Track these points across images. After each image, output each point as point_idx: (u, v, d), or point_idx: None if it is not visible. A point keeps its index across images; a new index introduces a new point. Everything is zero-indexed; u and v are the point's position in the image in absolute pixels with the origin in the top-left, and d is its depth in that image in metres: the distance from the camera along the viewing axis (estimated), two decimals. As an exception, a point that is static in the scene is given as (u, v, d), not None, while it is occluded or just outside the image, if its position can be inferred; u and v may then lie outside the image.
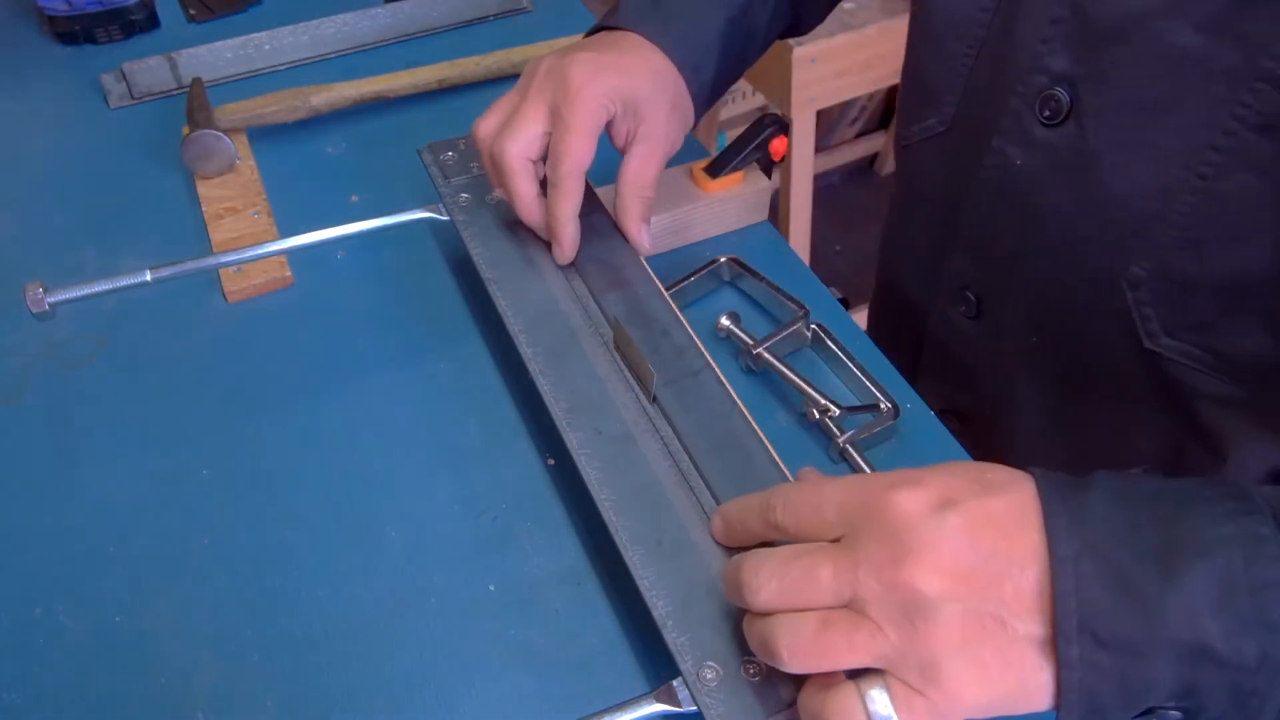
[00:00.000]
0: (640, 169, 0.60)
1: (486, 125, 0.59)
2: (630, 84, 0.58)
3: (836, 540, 0.39)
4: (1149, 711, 0.36)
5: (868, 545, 0.37)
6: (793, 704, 0.41)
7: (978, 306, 0.65)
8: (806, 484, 0.41)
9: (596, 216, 0.63)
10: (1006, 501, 0.37)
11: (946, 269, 0.66)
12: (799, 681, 0.42)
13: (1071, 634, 0.34)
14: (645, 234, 0.60)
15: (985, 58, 0.58)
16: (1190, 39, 0.46)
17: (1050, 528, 0.35)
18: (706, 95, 0.64)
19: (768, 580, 0.39)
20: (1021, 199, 0.57)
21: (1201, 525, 0.35)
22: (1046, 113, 0.53)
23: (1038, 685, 0.36)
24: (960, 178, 0.62)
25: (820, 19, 0.74)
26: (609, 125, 0.59)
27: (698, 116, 0.64)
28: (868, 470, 0.56)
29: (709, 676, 0.42)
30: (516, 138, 0.57)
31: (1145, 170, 0.50)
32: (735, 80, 0.68)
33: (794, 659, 0.38)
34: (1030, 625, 0.35)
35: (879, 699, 0.37)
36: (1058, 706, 0.36)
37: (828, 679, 0.39)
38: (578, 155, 0.56)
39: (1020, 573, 0.35)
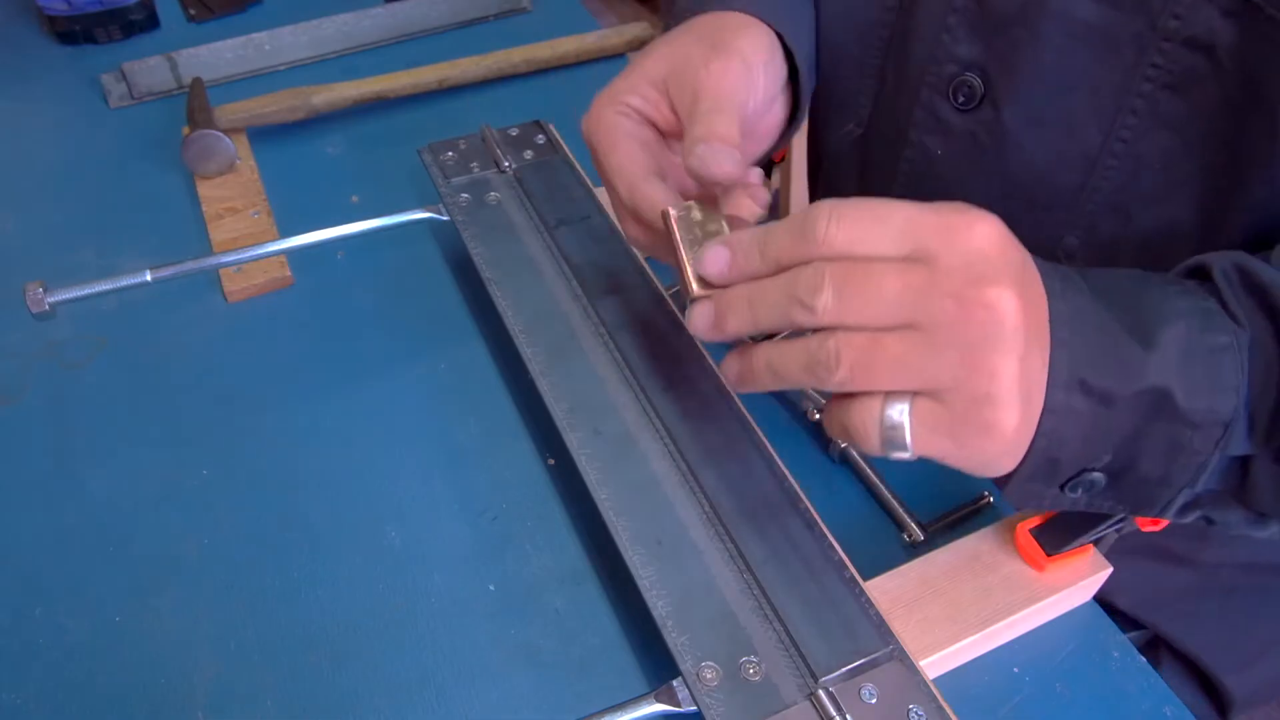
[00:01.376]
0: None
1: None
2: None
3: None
4: (1079, 474, 0.40)
5: (948, 263, 0.35)
6: (792, 704, 0.41)
7: None
8: (856, 200, 0.37)
9: (595, 220, 0.63)
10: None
11: None
12: (798, 681, 0.42)
13: (1060, 380, 0.37)
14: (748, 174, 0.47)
15: (892, 58, 0.59)
16: (1091, 11, 0.47)
17: (1048, 287, 0.37)
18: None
19: (826, 284, 0.35)
20: (945, 188, 0.57)
21: (1160, 300, 0.39)
22: (960, 99, 0.54)
23: (1026, 436, 0.37)
24: (880, 175, 0.63)
25: None
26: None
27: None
28: (872, 475, 0.56)
29: (709, 676, 0.42)
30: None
31: (1065, 143, 0.51)
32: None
33: (844, 369, 0.36)
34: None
35: (901, 410, 0.36)
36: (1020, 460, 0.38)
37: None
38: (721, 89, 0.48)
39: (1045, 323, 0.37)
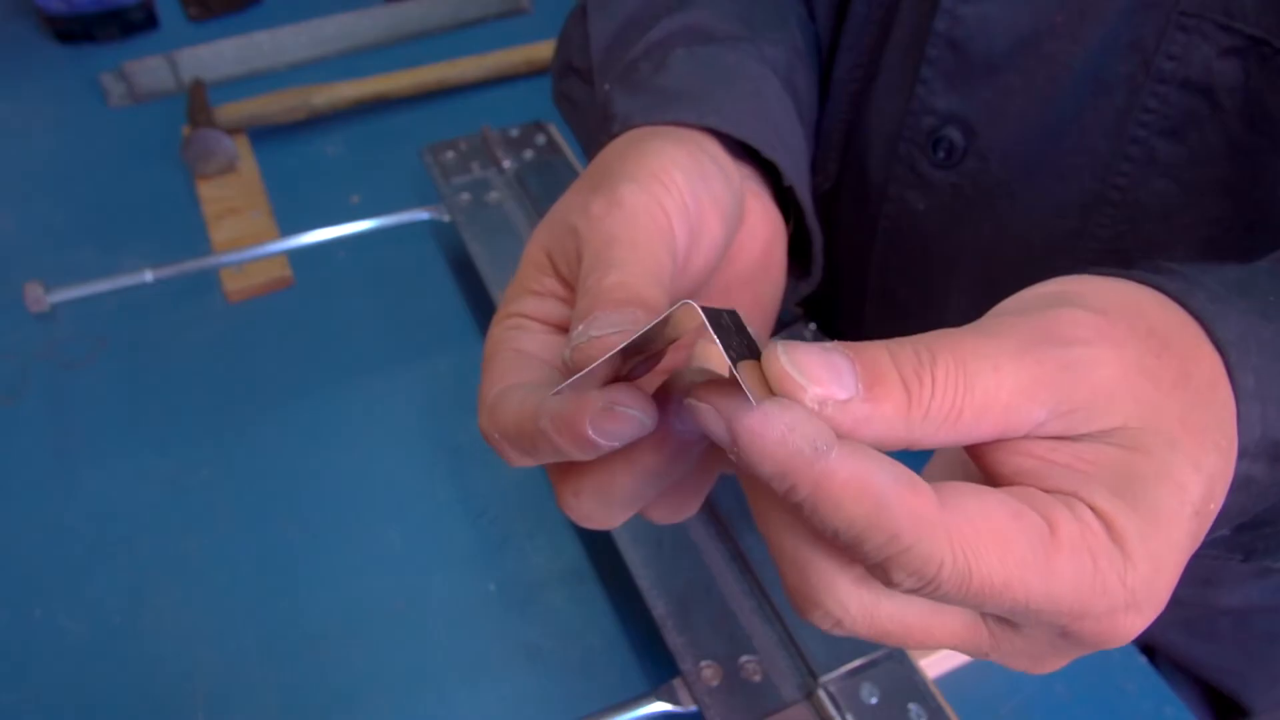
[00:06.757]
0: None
1: None
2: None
3: None
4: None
5: (1033, 643, 0.28)
6: (793, 704, 0.41)
7: None
8: (945, 531, 0.24)
9: None
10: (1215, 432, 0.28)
11: (865, 321, 0.62)
12: (798, 681, 0.42)
13: (1248, 448, 0.29)
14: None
15: (861, 113, 0.55)
16: (1082, 54, 0.44)
17: (1217, 330, 0.29)
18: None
19: (854, 626, 0.27)
20: (932, 243, 0.54)
21: None
22: (941, 154, 0.50)
23: None
24: (857, 231, 0.58)
25: None
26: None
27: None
28: None
29: (709, 676, 0.42)
30: None
31: (1060, 190, 0.48)
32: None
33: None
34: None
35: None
36: None
37: None
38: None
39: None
